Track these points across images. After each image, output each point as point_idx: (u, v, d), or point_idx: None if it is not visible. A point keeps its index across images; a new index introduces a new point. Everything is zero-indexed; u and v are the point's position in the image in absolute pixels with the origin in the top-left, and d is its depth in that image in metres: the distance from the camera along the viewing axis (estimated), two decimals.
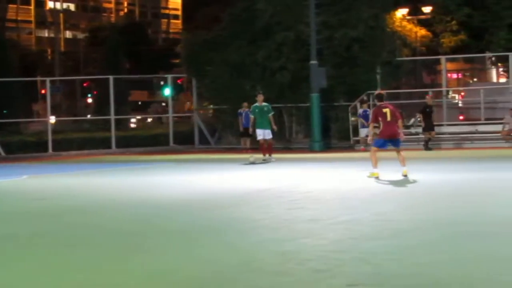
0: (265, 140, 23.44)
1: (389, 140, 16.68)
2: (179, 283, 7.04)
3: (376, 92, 18.46)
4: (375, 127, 17.35)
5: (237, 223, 10.45)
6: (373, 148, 16.79)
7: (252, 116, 24.07)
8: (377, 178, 16.11)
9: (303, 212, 11.39)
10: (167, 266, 7.73)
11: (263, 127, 23.41)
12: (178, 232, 9.93)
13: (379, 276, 6.99)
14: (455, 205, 11.89)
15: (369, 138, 18.12)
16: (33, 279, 7.39)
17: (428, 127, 27.54)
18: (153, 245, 9.02)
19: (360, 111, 28.62)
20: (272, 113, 23.80)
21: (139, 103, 75.88)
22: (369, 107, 27.74)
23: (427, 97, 28.86)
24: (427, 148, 27.09)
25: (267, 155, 23.27)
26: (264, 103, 23.65)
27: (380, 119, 16.56)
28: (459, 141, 29.14)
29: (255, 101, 24.00)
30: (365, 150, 25.22)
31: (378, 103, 16.93)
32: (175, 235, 9.76)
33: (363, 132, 27.89)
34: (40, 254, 8.72)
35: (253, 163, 22.33)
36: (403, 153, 16.63)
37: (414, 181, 15.48)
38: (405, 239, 8.84)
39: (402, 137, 16.83)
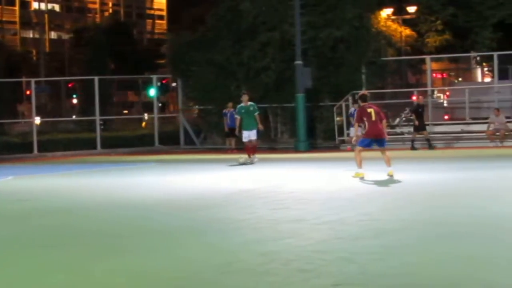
0: (250, 141, 23.31)
1: (374, 140, 16.69)
2: (162, 284, 7.00)
3: (360, 93, 18.44)
4: (359, 126, 17.34)
5: (220, 224, 10.40)
6: (358, 148, 16.79)
7: (237, 117, 23.92)
8: (362, 178, 16.11)
9: (288, 212, 11.36)
10: (149, 267, 7.68)
11: (249, 128, 23.20)
12: (161, 233, 9.88)
13: (364, 275, 6.97)
14: (440, 205, 11.89)
15: (353, 139, 18.12)
16: (13, 280, 7.32)
17: (421, 126, 27.61)
18: (136, 245, 8.97)
19: (351, 110, 28.46)
20: (258, 112, 23.62)
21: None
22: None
23: (420, 97, 28.89)
24: (430, 147, 27.27)
25: (252, 156, 23.17)
26: (249, 103, 23.41)
27: (365, 118, 16.56)
28: (446, 141, 29.18)
29: (240, 101, 23.82)
30: (351, 150, 25.18)
31: (362, 104, 16.95)
32: (158, 235, 9.71)
33: (352, 131, 27.85)
34: (21, 255, 8.64)
35: (243, 164, 22.28)
36: (388, 153, 16.64)
37: (399, 181, 15.47)
38: (390, 239, 8.82)
39: (386, 137, 16.86)
